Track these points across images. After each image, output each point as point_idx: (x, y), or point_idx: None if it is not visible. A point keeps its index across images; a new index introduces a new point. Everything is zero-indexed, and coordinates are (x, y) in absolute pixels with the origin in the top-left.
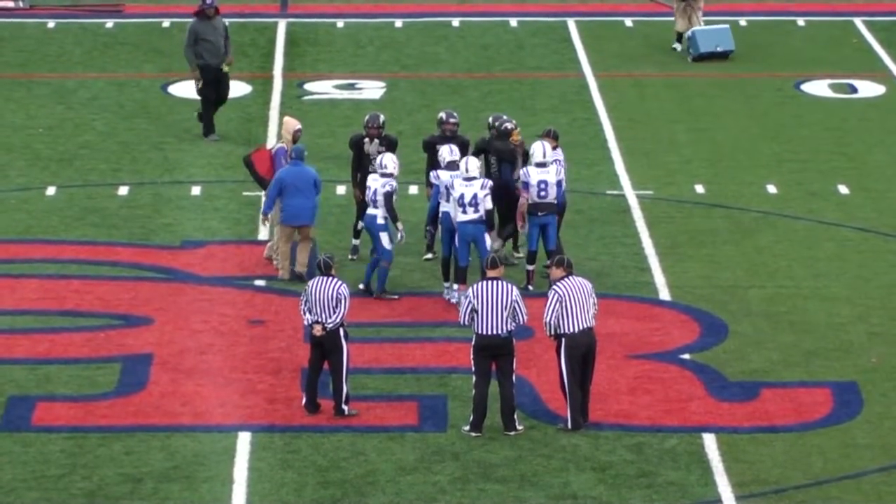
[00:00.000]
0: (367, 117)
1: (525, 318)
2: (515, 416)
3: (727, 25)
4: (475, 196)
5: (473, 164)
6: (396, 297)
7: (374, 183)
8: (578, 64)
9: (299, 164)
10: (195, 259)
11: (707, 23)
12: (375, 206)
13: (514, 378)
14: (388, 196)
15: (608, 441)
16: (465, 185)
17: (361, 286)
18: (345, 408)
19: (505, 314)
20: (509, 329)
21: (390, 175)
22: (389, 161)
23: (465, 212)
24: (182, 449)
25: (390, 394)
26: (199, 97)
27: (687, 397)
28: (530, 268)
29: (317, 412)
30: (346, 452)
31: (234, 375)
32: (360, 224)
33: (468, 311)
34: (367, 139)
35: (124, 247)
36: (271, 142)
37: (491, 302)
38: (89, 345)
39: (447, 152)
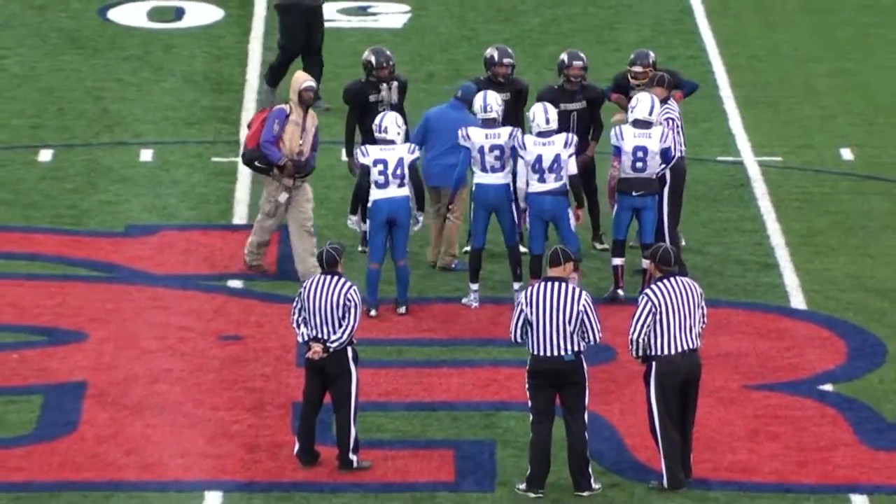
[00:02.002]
0: (372, 57)
1: (598, 335)
2: (590, 470)
3: None
4: (557, 158)
5: (552, 113)
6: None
7: (388, 153)
8: None
9: (461, 109)
10: (145, 251)
11: None
12: (402, 184)
13: (586, 417)
14: (416, 168)
15: None
16: (542, 142)
17: (403, 310)
18: (353, 458)
19: (569, 329)
20: (576, 350)
21: (392, 142)
22: (391, 123)
23: (541, 179)
24: None
25: (416, 439)
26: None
27: (829, 444)
28: (618, 262)
29: (314, 464)
30: None
31: (199, 413)
32: (355, 217)
33: (520, 323)
34: (384, 84)
35: (47, 234)
36: (252, 87)
37: (550, 312)
38: None
39: (479, 104)
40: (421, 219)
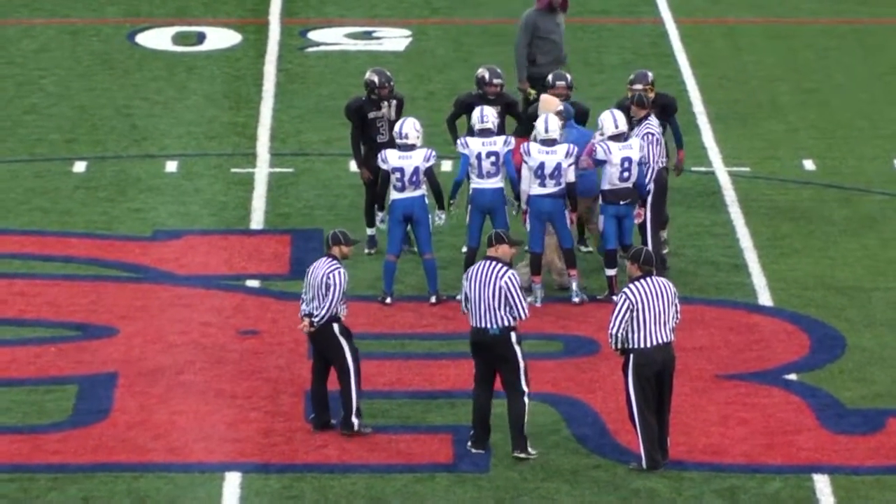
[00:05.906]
0: (374, 77)
1: (524, 312)
2: (526, 437)
3: None
4: (558, 166)
5: (554, 123)
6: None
7: (406, 161)
8: (655, 7)
9: (572, 126)
10: (170, 253)
11: None
12: (417, 187)
13: (526, 400)
14: (433, 172)
15: (694, 484)
16: (546, 151)
17: (434, 300)
18: (355, 421)
19: (493, 303)
20: (501, 324)
21: (413, 146)
22: (411, 128)
23: (543, 184)
24: (154, 493)
25: (418, 424)
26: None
27: (793, 429)
28: (611, 273)
29: (325, 428)
30: (361, 499)
31: (219, 400)
32: (381, 214)
33: (462, 297)
34: (384, 102)
35: (81, 238)
36: (268, 104)
37: (480, 287)
38: (37, 362)
39: (478, 117)
40: (443, 216)
